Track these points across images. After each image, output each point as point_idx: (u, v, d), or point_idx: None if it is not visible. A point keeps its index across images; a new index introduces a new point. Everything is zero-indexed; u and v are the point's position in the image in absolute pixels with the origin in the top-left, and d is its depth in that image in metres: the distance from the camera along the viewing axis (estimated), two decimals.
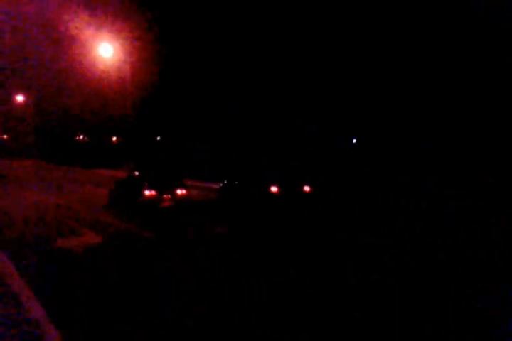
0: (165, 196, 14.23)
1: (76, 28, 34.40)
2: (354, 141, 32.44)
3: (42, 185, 22.94)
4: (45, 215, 13.39)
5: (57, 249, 9.03)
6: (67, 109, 47.29)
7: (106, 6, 34.03)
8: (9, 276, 6.94)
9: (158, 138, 43.18)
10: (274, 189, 15.98)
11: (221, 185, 17.57)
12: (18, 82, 47.51)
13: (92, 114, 44.07)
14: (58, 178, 28.61)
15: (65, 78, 38.70)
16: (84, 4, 33.94)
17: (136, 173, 16.94)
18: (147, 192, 14.04)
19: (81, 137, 56.92)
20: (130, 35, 34.01)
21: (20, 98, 52.03)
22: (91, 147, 49.60)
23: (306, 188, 16.54)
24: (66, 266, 7.96)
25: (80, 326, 5.33)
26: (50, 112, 51.02)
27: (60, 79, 39.21)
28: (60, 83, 40.02)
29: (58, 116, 50.55)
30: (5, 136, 64.30)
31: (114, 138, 50.92)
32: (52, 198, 17.67)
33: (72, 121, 50.52)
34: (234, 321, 5.66)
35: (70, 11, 34.01)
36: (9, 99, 53.07)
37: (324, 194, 18.00)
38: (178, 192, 14.54)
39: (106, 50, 34.04)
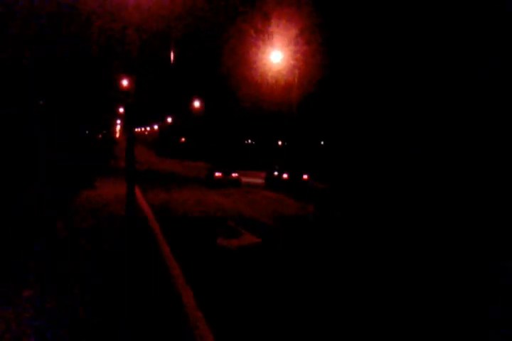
0: (226, 175, 25.12)
1: (251, 35, 36.19)
2: None
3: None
4: (212, 213, 14.09)
5: (218, 247, 9.19)
6: (238, 114, 50.04)
7: (280, 14, 35.16)
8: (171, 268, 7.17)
9: (322, 142, 43.15)
10: (285, 175, 25.16)
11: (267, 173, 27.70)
12: (195, 87, 51.75)
13: (259, 117, 45.90)
14: None
15: (237, 84, 40.86)
16: (259, 14, 35.48)
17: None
18: (216, 174, 25.29)
19: (249, 141, 59.80)
20: (299, 41, 34.62)
21: (197, 103, 56.83)
22: (257, 150, 51.59)
23: (305, 176, 25.16)
24: (222, 262, 8.12)
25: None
26: (223, 116, 54.64)
27: (233, 85, 41.55)
28: (233, 89, 42.36)
29: (230, 120, 53.84)
30: (183, 139, 70.89)
31: (280, 142, 52.33)
32: (218, 198, 18.61)
33: (241, 125, 53.25)
34: None
35: (246, 20, 35.81)
36: (188, 104, 58.18)
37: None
38: (233, 174, 25.42)
39: (276, 56, 35.19)
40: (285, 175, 24.85)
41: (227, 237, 9.68)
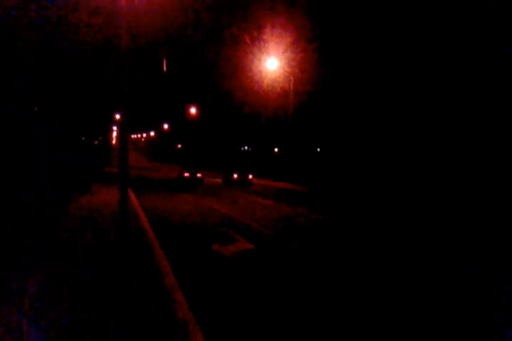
0: (192, 176, 33.95)
1: (246, 43, 36.34)
2: None
3: (204, 191, 24.87)
4: (208, 221, 14.06)
5: (213, 253, 9.18)
6: (235, 121, 50.10)
7: (275, 23, 35.34)
8: (164, 273, 7.13)
9: (318, 149, 43.25)
10: (235, 175, 33.71)
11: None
12: (191, 94, 51.79)
13: (256, 124, 45.93)
14: (219, 187, 30.63)
15: (234, 91, 40.97)
16: (254, 22, 35.66)
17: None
18: (185, 174, 34.33)
19: (245, 148, 59.88)
20: (295, 49, 34.81)
21: (193, 110, 56.92)
22: (253, 157, 51.63)
23: (250, 176, 34.11)
24: (217, 267, 8.13)
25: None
26: (219, 123, 54.68)
27: (229, 92, 41.65)
28: (229, 96, 42.47)
29: (226, 127, 53.90)
30: (179, 146, 70.94)
31: (276, 150, 52.35)
32: (214, 205, 18.58)
33: (237, 132, 53.32)
34: None
35: (241, 28, 35.96)
36: (183, 110, 58.19)
37: None
38: (198, 175, 34.26)
39: (272, 64, 35.37)
40: (235, 175, 33.79)
41: (222, 244, 9.68)
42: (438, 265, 9.04)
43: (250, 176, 33.83)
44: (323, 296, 6.82)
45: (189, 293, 6.30)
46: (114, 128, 72.03)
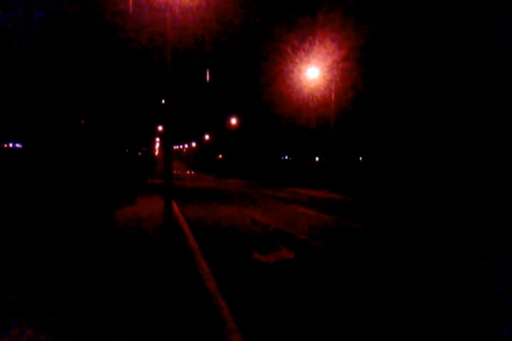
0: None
1: (288, 53, 36.48)
2: None
3: (244, 201, 24.76)
4: (246, 229, 13.99)
5: (253, 261, 9.10)
6: (275, 130, 50.17)
7: (315, 32, 35.34)
8: (206, 280, 7.12)
9: (361, 158, 42.66)
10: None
11: None
12: (232, 105, 52.30)
13: (296, 134, 45.84)
14: (261, 196, 30.39)
15: (274, 101, 41.11)
16: (295, 32, 35.78)
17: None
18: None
19: (285, 157, 59.73)
20: (337, 57, 34.62)
21: (233, 121, 57.40)
22: (293, 167, 51.40)
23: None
24: (257, 275, 8.02)
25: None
26: (259, 133, 54.90)
27: (270, 102, 41.82)
28: (270, 105, 42.61)
29: (266, 137, 54.02)
30: (220, 156, 71.59)
31: (317, 159, 51.94)
32: (253, 213, 18.52)
33: (277, 142, 53.34)
34: None
35: (282, 39, 36.15)
36: (225, 121, 58.80)
37: None
38: (187, 172, 58.26)
39: (313, 73, 35.28)
40: (188, 172, 54.23)
41: (263, 252, 9.59)
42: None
43: (193, 172, 64.06)
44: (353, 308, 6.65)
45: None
46: (157, 139, 73.55)
